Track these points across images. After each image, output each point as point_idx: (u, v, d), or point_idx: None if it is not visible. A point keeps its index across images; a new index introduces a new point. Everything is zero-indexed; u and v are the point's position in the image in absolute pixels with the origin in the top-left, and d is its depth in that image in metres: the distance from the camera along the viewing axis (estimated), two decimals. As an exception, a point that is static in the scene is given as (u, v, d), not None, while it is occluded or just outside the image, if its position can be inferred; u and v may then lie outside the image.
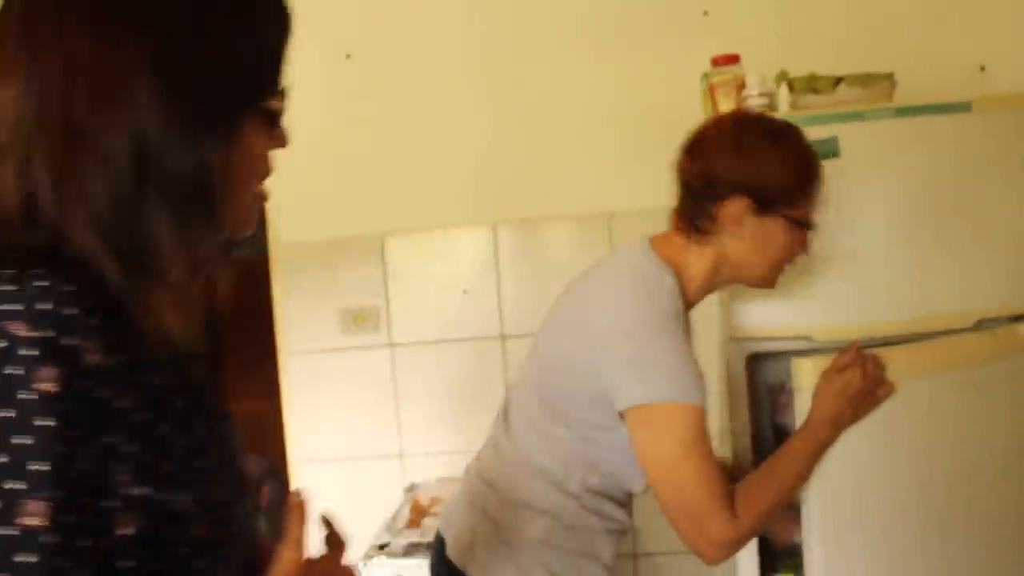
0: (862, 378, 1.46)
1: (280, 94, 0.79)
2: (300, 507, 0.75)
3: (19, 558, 0.59)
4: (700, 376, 1.39)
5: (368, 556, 2.10)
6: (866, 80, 1.97)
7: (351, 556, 0.93)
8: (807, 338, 1.82)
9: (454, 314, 2.63)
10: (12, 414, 0.60)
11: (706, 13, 2.46)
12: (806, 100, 1.99)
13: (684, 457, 1.36)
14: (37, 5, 0.71)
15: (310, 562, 0.78)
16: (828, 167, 1.79)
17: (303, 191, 2.73)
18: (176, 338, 0.70)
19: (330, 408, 2.73)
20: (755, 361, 1.84)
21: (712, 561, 1.41)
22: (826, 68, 1.95)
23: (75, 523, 0.62)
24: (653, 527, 2.45)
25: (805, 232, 1.47)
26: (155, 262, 0.69)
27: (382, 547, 2.13)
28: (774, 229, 1.45)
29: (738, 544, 1.40)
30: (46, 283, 0.63)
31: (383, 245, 2.68)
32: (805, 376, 1.55)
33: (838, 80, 1.99)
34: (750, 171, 1.43)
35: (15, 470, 0.60)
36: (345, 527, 0.92)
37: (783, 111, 1.97)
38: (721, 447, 2.12)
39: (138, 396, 0.67)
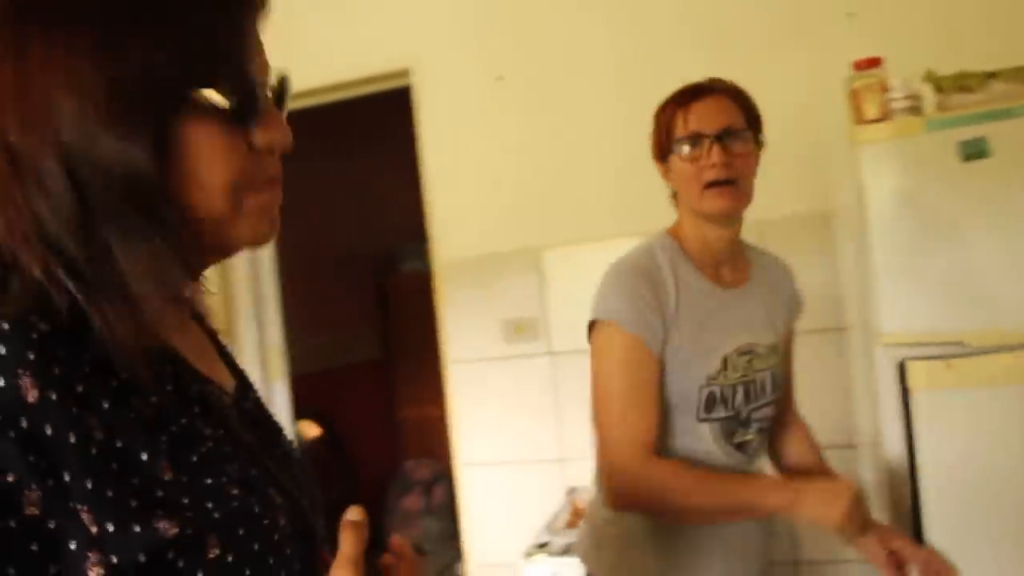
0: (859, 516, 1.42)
1: (241, 78, 0.70)
2: (357, 527, 0.70)
3: None
4: (648, 321, 1.47)
5: (528, 554, 2.21)
6: (1020, 74, 1.92)
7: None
8: (959, 343, 1.80)
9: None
10: None
11: (851, 15, 2.43)
12: (955, 100, 1.96)
13: (612, 374, 1.49)
14: None
15: None
16: (977, 168, 1.77)
17: (463, 209, 2.89)
18: (137, 358, 0.65)
19: (493, 414, 2.87)
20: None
21: (606, 488, 1.50)
22: (975, 65, 1.91)
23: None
24: (815, 534, 2.45)
25: (694, 149, 1.53)
26: (113, 282, 0.65)
27: (542, 546, 2.23)
28: (674, 165, 1.56)
29: (633, 483, 1.45)
30: None
31: (539, 258, 2.79)
32: (918, 378, 1.54)
33: (989, 75, 1.94)
34: (651, 139, 1.62)
35: None
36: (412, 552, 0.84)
37: (929, 113, 1.94)
38: (872, 456, 2.11)
39: (100, 426, 0.61)
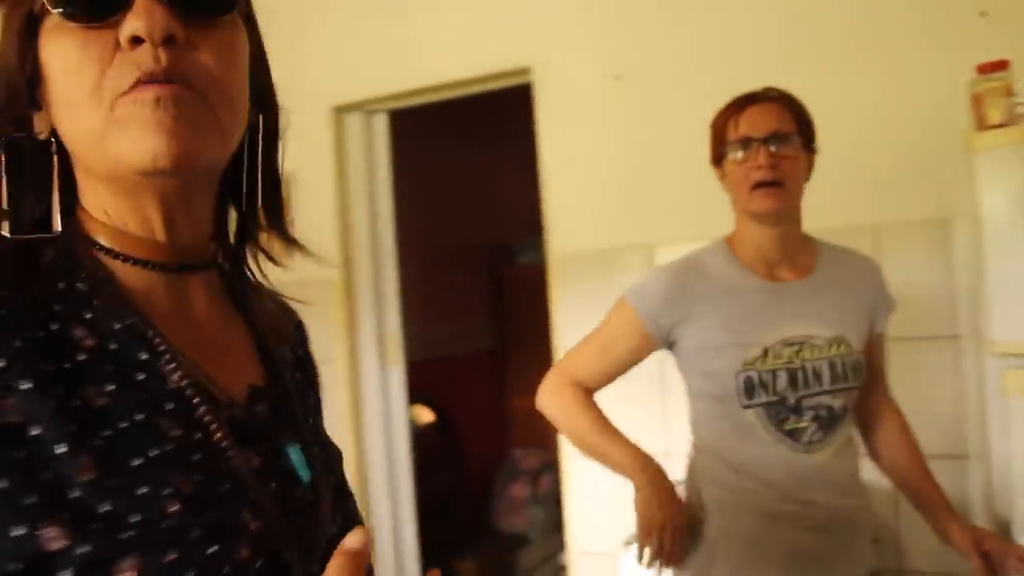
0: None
1: None
2: (352, 557, 0.56)
3: None
4: (669, 303, 1.68)
5: (628, 543, 2.26)
6: None
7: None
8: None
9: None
10: None
11: (984, 14, 2.38)
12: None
13: (598, 328, 1.78)
14: None
15: None
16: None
17: (578, 205, 2.95)
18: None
19: (601, 406, 2.91)
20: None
21: (535, 398, 1.81)
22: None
23: None
24: (922, 544, 2.42)
25: (745, 152, 1.66)
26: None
27: (642, 537, 2.28)
28: (728, 169, 1.72)
29: (540, 398, 1.81)
30: None
31: (653, 255, 2.83)
32: (1013, 384, 1.53)
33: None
34: (711, 140, 1.79)
35: None
36: None
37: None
38: (981, 466, 2.08)
39: (14, 409, 0.55)
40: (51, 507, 0.54)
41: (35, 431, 0.55)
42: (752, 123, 1.67)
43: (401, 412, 3.48)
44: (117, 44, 0.61)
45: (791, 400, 1.59)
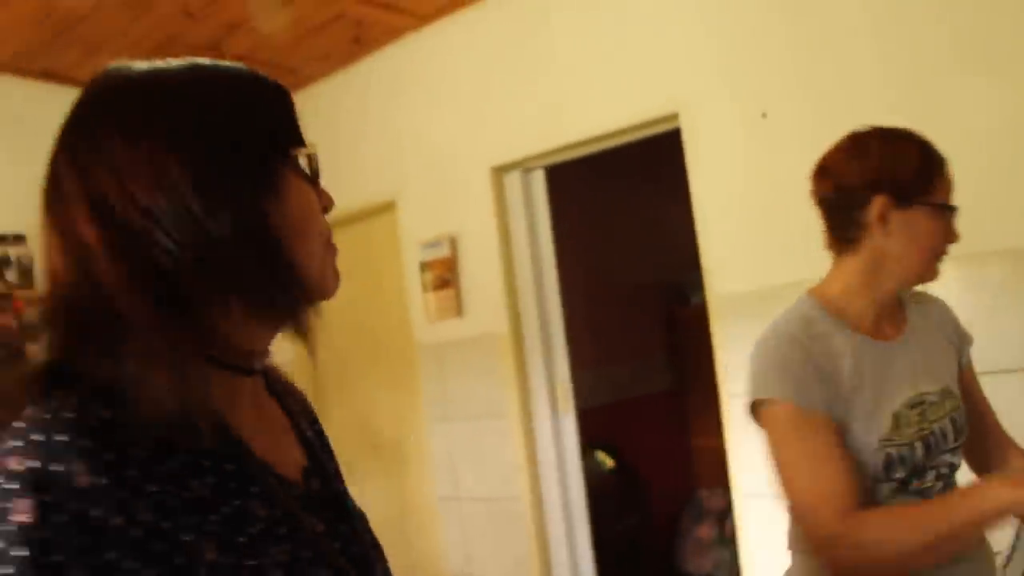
0: None
1: (305, 148, 0.82)
2: None
3: None
4: (815, 379, 1.43)
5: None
6: None
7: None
8: None
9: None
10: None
11: None
12: None
13: (784, 451, 1.44)
14: (75, 147, 0.76)
15: None
16: None
17: (735, 244, 2.95)
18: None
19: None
20: None
21: (827, 561, 1.41)
22: None
23: None
24: None
25: (948, 217, 1.51)
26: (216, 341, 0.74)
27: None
28: (918, 219, 1.49)
29: (848, 548, 1.36)
30: (47, 413, 0.66)
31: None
32: None
33: None
34: (882, 169, 1.51)
35: None
36: None
37: None
38: None
39: (147, 509, 0.66)
40: None
41: (165, 525, 0.66)
42: (951, 191, 1.54)
43: (575, 459, 3.55)
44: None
45: (923, 465, 1.48)
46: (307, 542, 0.77)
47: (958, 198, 1.54)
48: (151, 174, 0.72)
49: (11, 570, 0.60)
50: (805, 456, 1.42)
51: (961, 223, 1.55)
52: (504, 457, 3.58)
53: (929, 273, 1.54)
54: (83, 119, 0.77)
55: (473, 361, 3.68)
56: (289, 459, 0.85)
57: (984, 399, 1.69)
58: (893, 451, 1.44)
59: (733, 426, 2.98)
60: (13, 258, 3.50)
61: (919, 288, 1.64)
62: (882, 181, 1.50)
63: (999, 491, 1.31)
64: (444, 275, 3.72)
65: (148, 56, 0.81)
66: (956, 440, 1.52)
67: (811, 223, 2.81)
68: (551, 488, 3.51)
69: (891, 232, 1.49)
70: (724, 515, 4.41)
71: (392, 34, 3.81)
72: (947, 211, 1.51)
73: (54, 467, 0.63)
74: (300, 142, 0.82)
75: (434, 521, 3.87)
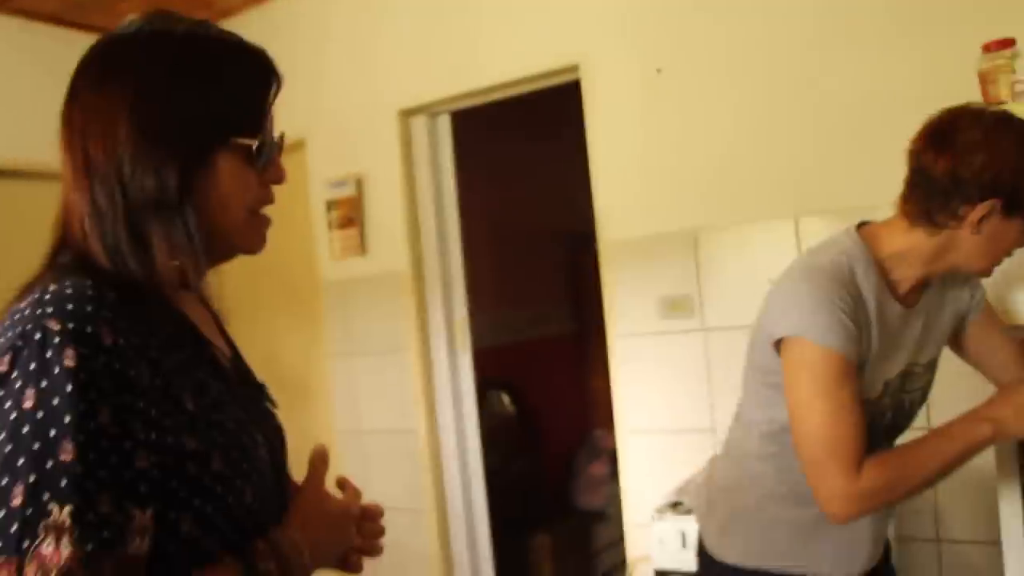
0: None
1: (258, 135, 0.99)
2: (321, 454, 1.10)
3: (58, 484, 0.77)
4: (846, 327, 1.45)
5: (660, 511, 2.40)
6: None
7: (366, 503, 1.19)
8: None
9: (760, 300, 2.81)
10: (46, 384, 0.79)
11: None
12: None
13: (813, 396, 1.45)
14: (77, 79, 0.98)
15: (323, 499, 1.07)
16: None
17: (625, 194, 3.09)
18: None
19: (651, 385, 3.06)
20: None
21: (832, 514, 1.46)
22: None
23: (97, 458, 0.79)
24: (959, 513, 2.48)
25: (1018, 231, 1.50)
26: (146, 261, 0.93)
27: (673, 506, 2.42)
28: (1012, 229, 1.48)
29: (855, 501, 1.43)
30: (70, 288, 0.85)
31: (696, 239, 2.95)
32: None
33: None
34: (1006, 176, 1.43)
35: (52, 422, 0.78)
36: (356, 486, 1.20)
37: (1053, 94, 1.95)
38: None
39: (150, 367, 0.87)
40: (182, 426, 0.88)
41: (160, 381, 0.88)
42: None
43: (470, 395, 3.69)
44: (261, 179, 1.03)
45: (880, 435, 1.59)
46: (243, 409, 1.01)
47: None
48: (103, 126, 0.93)
49: (58, 401, 0.79)
50: (827, 404, 1.44)
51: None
52: (403, 392, 3.71)
53: (987, 272, 1.58)
54: (91, 60, 0.99)
55: (375, 298, 3.77)
56: (223, 346, 1.10)
57: (1003, 338, 1.75)
58: (868, 417, 1.49)
59: (619, 365, 3.15)
60: None
61: None
62: (1003, 187, 1.44)
63: (997, 411, 1.46)
64: (349, 214, 3.79)
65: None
66: (911, 411, 1.66)
67: (699, 175, 2.98)
68: (447, 422, 3.66)
69: (980, 232, 1.48)
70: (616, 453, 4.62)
71: (305, -28, 3.83)
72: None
73: (89, 327, 0.82)
74: (251, 130, 0.99)
75: (334, 452, 3.97)
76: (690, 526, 2.30)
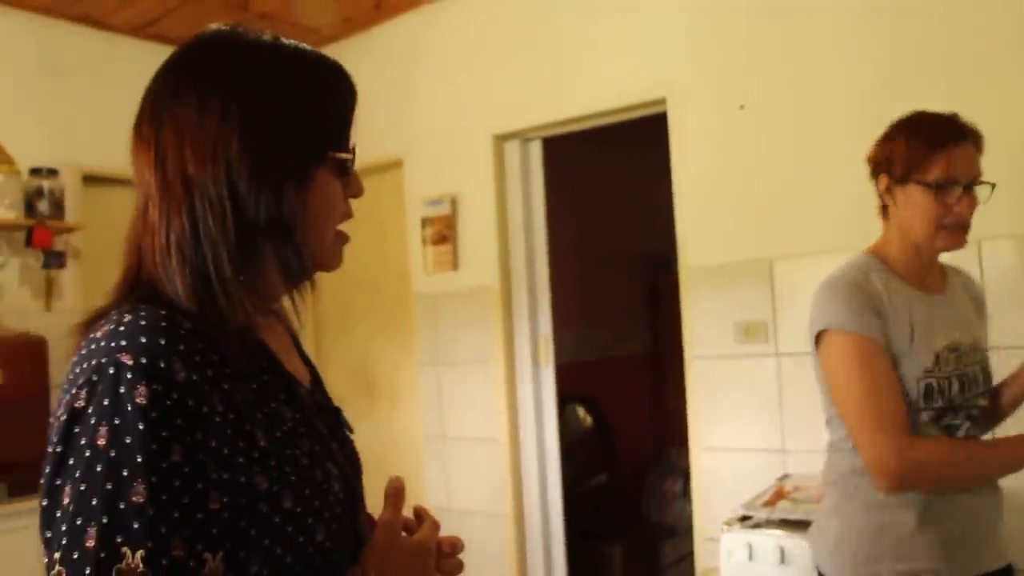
0: None
1: (347, 149, 0.96)
2: (396, 492, 0.99)
3: (131, 526, 0.75)
4: (865, 315, 1.67)
5: (729, 524, 2.55)
6: None
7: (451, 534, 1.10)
8: None
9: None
10: (119, 421, 0.77)
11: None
12: None
13: (850, 377, 1.67)
14: (159, 93, 0.92)
15: (399, 536, 0.99)
16: None
17: (706, 222, 3.25)
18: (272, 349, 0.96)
19: (725, 406, 3.21)
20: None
21: (882, 473, 1.63)
22: None
23: (169, 500, 0.77)
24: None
25: (942, 193, 1.70)
26: (241, 288, 0.89)
27: (742, 519, 2.56)
28: (913, 195, 1.73)
29: (903, 461, 1.60)
30: (144, 319, 0.83)
31: (772, 268, 3.09)
32: None
33: None
34: (882, 151, 1.80)
35: (125, 461, 0.76)
36: (434, 517, 1.07)
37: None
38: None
39: (223, 400, 0.84)
40: (252, 464, 0.85)
41: (233, 415, 0.85)
42: (957, 164, 1.70)
43: (551, 408, 3.87)
44: (345, 194, 0.99)
45: (957, 402, 1.71)
46: (319, 440, 0.98)
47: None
48: (209, 144, 0.88)
49: (130, 439, 0.77)
50: (870, 382, 1.65)
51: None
52: (487, 401, 3.91)
53: (943, 243, 1.75)
54: (173, 72, 0.93)
55: (465, 312, 3.99)
56: (301, 375, 1.05)
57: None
58: (933, 382, 1.69)
59: (695, 385, 3.30)
60: (46, 190, 3.78)
61: (952, 263, 1.91)
62: (880, 161, 1.80)
63: None
64: (443, 231, 4.02)
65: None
66: (985, 385, 1.79)
67: (776, 206, 3.13)
68: (528, 432, 3.85)
69: (898, 205, 1.77)
70: (689, 472, 4.75)
71: (411, 3, 4.08)
72: (940, 187, 1.70)
73: (159, 363, 0.80)
74: (343, 144, 0.97)
75: (420, 457, 4.21)
76: (757, 539, 2.45)
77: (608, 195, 5.05)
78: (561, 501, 3.86)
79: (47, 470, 0.80)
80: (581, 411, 4.83)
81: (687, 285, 3.32)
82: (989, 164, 2.48)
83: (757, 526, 2.48)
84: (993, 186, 1.77)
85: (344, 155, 0.96)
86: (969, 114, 2.63)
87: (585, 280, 4.91)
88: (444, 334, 4.10)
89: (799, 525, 2.45)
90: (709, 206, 3.26)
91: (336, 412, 1.11)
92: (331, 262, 0.99)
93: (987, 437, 1.85)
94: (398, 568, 0.97)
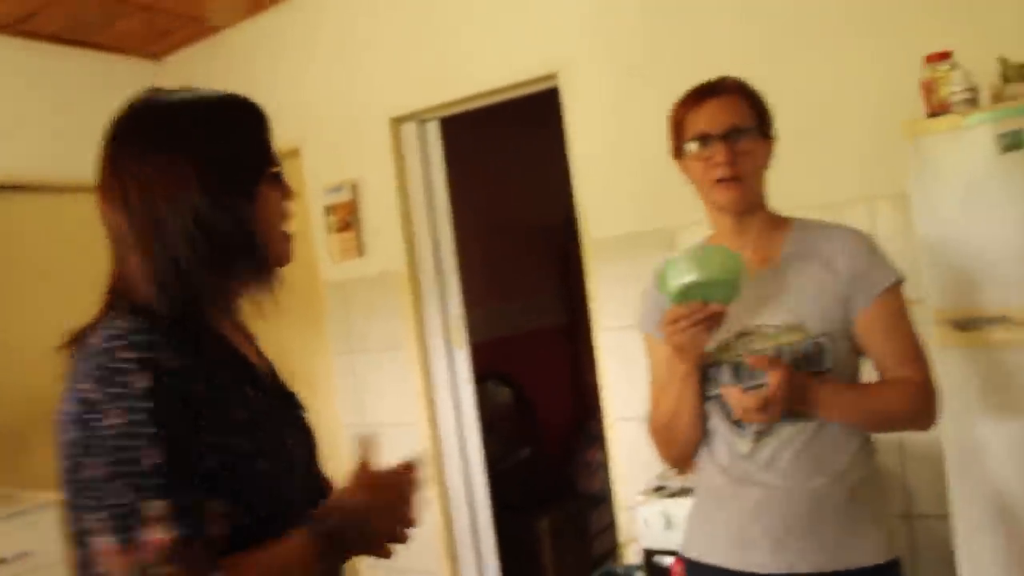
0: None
1: (277, 163, 1.20)
2: (366, 441, 1.27)
3: (151, 483, 0.96)
4: (644, 313, 1.88)
5: (645, 495, 2.59)
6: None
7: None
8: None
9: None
10: (127, 404, 0.97)
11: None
12: (1013, 89, 2.11)
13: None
14: (115, 157, 1.12)
15: (373, 475, 1.23)
16: (1013, 160, 1.96)
17: (605, 194, 3.26)
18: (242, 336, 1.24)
19: (636, 376, 3.23)
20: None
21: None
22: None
23: (177, 461, 0.98)
24: (930, 488, 2.65)
25: (702, 150, 1.69)
26: (219, 298, 1.16)
27: (657, 490, 2.60)
28: (686, 165, 1.76)
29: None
30: (135, 324, 1.04)
31: (674, 238, 3.12)
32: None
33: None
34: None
35: (138, 434, 0.96)
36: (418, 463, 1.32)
37: (985, 102, 2.12)
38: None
39: (205, 384, 1.05)
40: (234, 431, 1.07)
41: (214, 396, 1.06)
42: (710, 118, 1.68)
43: (468, 389, 3.87)
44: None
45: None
46: (280, 416, 1.23)
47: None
48: (169, 182, 1.09)
49: (140, 416, 0.97)
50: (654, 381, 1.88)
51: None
52: (403, 387, 3.89)
53: (717, 196, 1.70)
54: (123, 130, 1.14)
55: (374, 298, 3.95)
56: (261, 365, 1.28)
57: (884, 343, 1.66)
58: (705, 370, 1.65)
59: (605, 356, 3.33)
60: None
61: (831, 224, 1.75)
62: (672, 144, 1.82)
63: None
64: (346, 218, 3.96)
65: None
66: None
67: (672, 176, 3.13)
68: (446, 415, 3.85)
69: (690, 179, 1.79)
70: (608, 438, 4.81)
71: (296, -13, 3.99)
72: (697, 145, 1.69)
73: (155, 355, 1.00)
74: (274, 160, 1.20)
75: (340, 445, 4.17)
76: (673, 508, 2.49)
77: (515, 170, 5.03)
78: (485, 478, 3.88)
79: (69, 451, 0.99)
80: (500, 388, 4.85)
81: (591, 257, 3.34)
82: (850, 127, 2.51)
83: (672, 495, 2.52)
84: (766, 130, 1.73)
85: (276, 168, 1.19)
86: (851, 72, 2.72)
87: (496, 257, 4.90)
88: (356, 322, 4.06)
89: (710, 491, 2.50)
90: (608, 178, 3.27)
91: (291, 395, 1.33)
92: (285, 257, 1.22)
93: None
94: (375, 490, 1.22)
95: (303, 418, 1.32)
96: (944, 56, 2.22)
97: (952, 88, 2.14)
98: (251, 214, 1.13)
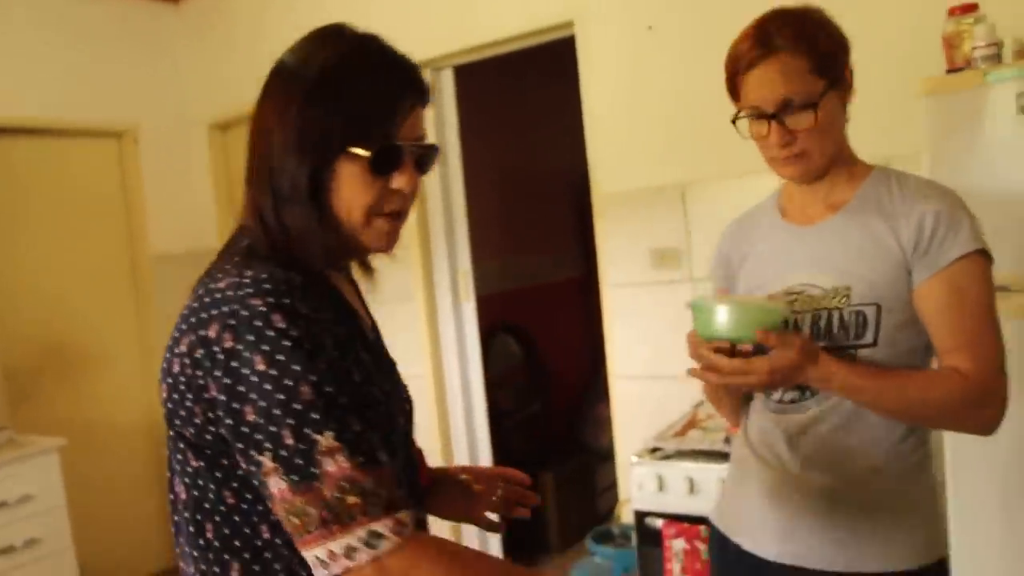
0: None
1: (378, 145, 1.08)
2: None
3: (312, 417, 0.95)
4: (715, 258, 1.73)
5: (638, 456, 2.54)
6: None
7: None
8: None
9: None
10: (267, 347, 0.96)
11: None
12: (1039, 47, 2.01)
13: None
14: (268, 82, 1.15)
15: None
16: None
17: (617, 148, 3.18)
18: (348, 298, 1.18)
19: (642, 333, 3.19)
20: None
21: (984, 415, 1.42)
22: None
23: (332, 391, 0.97)
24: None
25: (755, 126, 1.48)
26: (298, 248, 1.09)
27: (652, 451, 2.56)
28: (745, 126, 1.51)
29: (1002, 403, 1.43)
30: (264, 273, 1.01)
31: (684, 194, 3.04)
32: None
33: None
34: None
35: (286, 373, 0.95)
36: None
37: (1008, 60, 2.01)
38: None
39: (331, 336, 1.03)
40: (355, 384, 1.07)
41: (337, 352, 1.04)
42: (760, 88, 1.45)
43: (474, 342, 3.84)
44: (387, 186, 1.11)
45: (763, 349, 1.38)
46: (388, 376, 1.22)
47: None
48: (261, 137, 1.11)
49: (283, 355, 0.95)
50: None
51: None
52: (412, 339, 3.86)
53: (777, 171, 1.52)
54: (273, 76, 1.15)
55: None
56: (368, 320, 1.27)
57: (936, 324, 1.42)
58: None
59: (611, 313, 3.28)
60: None
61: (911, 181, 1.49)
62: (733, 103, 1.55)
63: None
64: (358, 166, 3.90)
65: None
66: (828, 340, 1.45)
67: (688, 130, 3.06)
68: (452, 367, 3.82)
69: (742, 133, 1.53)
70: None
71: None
72: (751, 118, 1.48)
73: (286, 301, 0.99)
74: (368, 140, 1.08)
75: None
76: (667, 470, 2.45)
77: (535, 121, 4.93)
78: (488, 433, 3.86)
79: (222, 398, 0.97)
80: (512, 341, 4.81)
81: (601, 212, 3.27)
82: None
83: (667, 457, 2.48)
84: (834, 76, 1.45)
85: (364, 151, 1.07)
86: (873, 26, 2.60)
87: (513, 208, 4.83)
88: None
89: (708, 455, 2.45)
90: (620, 131, 3.19)
91: (392, 362, 1.28)
92: (368, 241, 1.13)
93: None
94: None
95: (405, 386, 1.29)
96: (970, 8, 2.11)
97: (975, 43, 2.04)
98: (317, 184, 1.08)
